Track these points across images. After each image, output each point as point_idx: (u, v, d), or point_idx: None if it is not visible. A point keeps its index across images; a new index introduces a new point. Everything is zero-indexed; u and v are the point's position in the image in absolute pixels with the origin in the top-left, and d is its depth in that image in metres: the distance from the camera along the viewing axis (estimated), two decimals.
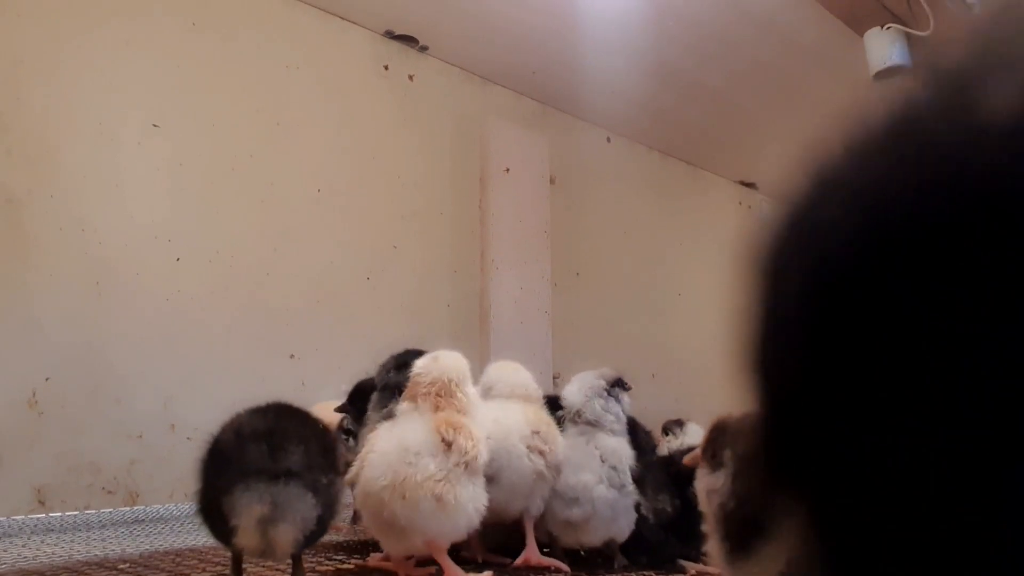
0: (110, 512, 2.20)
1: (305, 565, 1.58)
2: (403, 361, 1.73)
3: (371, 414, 1.68)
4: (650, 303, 4.28)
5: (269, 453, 1.23)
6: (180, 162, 2.53)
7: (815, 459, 0.32)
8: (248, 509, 1.19)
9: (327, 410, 1.80)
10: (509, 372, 1.76)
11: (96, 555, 1.70)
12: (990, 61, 0.30)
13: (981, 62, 0.30)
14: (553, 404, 1.74)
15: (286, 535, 1.24)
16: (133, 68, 2.46)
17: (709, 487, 1.00)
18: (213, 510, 1.22)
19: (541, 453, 1.54)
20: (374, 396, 1.72)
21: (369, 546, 1.73)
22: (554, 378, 3.12)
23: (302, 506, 1.24)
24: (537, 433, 1.56)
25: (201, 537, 1.64)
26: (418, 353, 1.69)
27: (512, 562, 1.57)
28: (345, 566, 1.56)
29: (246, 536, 1.22)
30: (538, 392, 1.73)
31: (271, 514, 1.21)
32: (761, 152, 4.53)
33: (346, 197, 2.97)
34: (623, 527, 1.60)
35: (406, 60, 3.26)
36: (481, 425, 1.46)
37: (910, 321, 0.29)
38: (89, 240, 2.31)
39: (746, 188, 5.11)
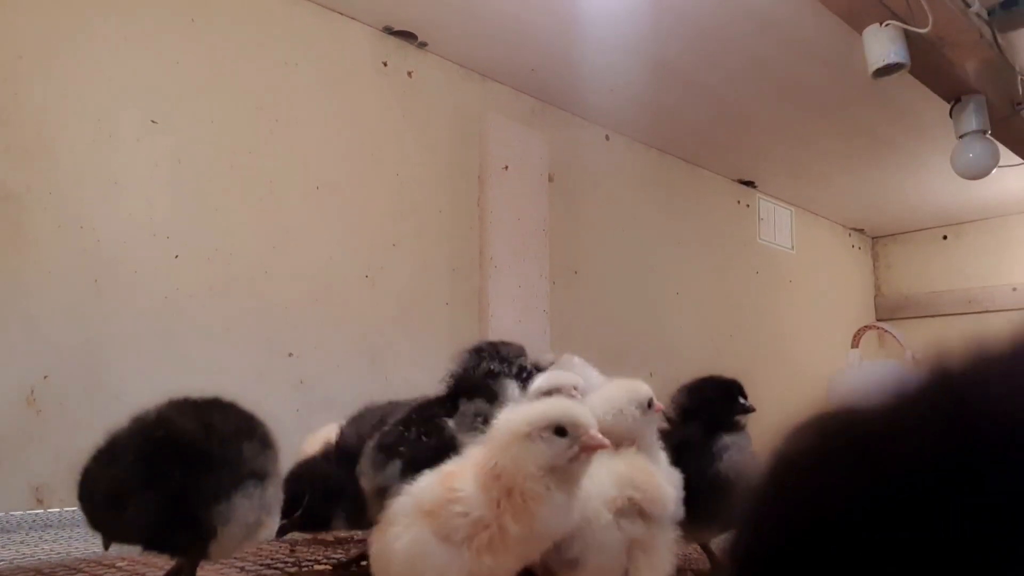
0: None
1: (303, 563, 1.58)
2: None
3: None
4: (648, 301, 4.29)
5: (254, 453, 1.16)
6: (179, 159, 2.53)
7: None
8: (243, 516, 1.12)
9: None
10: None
11: (94, 552, 1.69)
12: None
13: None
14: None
15: (259, 536, 1.20)
16: (132, 65, 2.45)
17: None
18: (185, 517, 1.11)
19: (640, 514, 1.15)
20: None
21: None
22: None
23: (278, 506, 1.22)
24: (633, 487, 1.15)
25: None
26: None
27: None
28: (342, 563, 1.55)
29: (231, 543, 1.14)
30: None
31: (259, 519, 1.17)
32: (760, 150, 4.54)
33: (345, 194, 2.97)
34: None
35: (405, 56, 3.25)
36: None
37: None
38: (87, 237, 2.30)
39: (744, 186, 5.11)
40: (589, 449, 1.03)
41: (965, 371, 0.35)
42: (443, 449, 1.08)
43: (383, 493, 1.09)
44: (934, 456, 0.30)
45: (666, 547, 1.18)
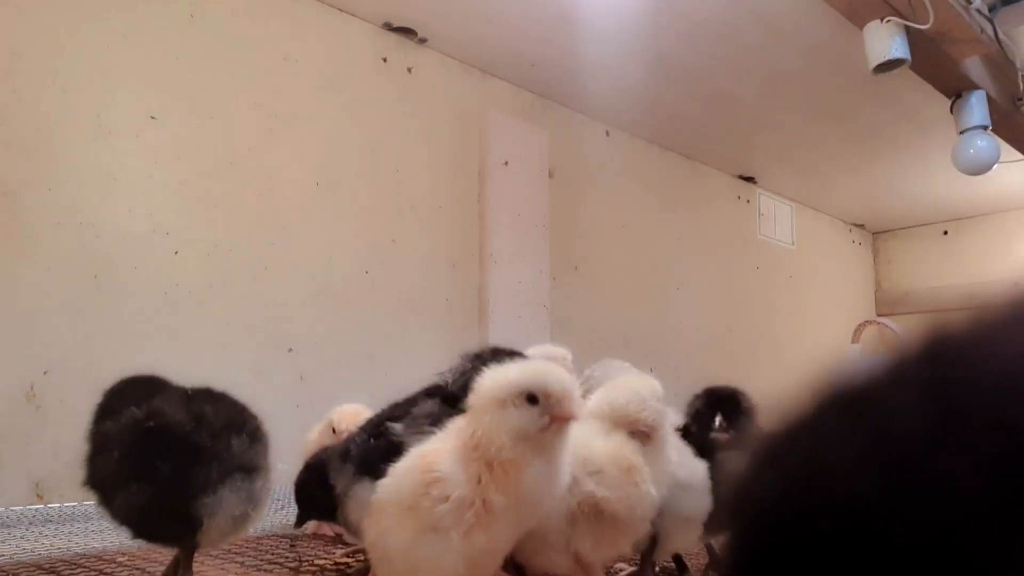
0: None
1: (303, 558, 1.58)
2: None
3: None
4: (649, 297, 4.29)
5: (243, 446, 1.18)
6: (178, 155, 2.53)
7: None
8: (230, 508, 1.14)
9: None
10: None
11: (94, 547, 1.70)
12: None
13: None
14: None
15: (248, 527, 1.22)
16: (131, 60, 2.45)
17: None
18: (174, 508, 1.12)
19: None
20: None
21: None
22: None
23: (267, 499, 1.23)
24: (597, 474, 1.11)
25: None
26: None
27: None
28: (342, 560, 1.55)
29: (217, 535, 1.17)
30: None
31: (246, 511, 1.18)
32: (760, 146, 4.53)
33: (345, 190, 2.97)
34: None
35: (405, 52, 3.25)
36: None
37: None
38: (87, 233, 2.30)
39: (744, 182, 5.10)
40: (560, 420, 0.96)
41: (962, 333, 0.35)
42: (389, 451, 1.10)
43: (347, 496, 1.15)
44: (926, 418, 0.30)
45: (623, 520, 1.14)
